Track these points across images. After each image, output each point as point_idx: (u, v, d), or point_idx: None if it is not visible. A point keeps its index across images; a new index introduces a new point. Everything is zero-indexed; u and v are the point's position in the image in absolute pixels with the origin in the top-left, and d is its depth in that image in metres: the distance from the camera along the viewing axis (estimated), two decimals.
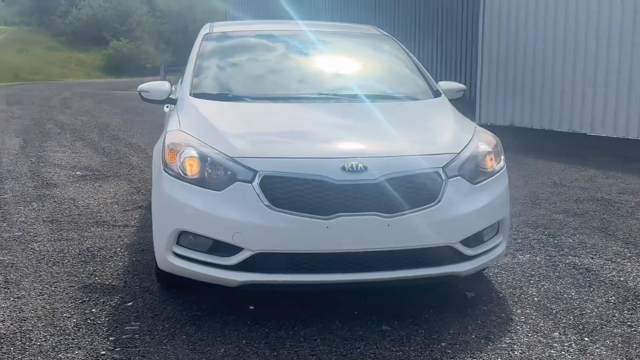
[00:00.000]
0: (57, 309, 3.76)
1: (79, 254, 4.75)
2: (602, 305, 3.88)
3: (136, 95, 4.84)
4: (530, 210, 6.17)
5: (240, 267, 3.41)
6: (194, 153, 3.56)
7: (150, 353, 3.21)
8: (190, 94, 4.36)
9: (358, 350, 3.26)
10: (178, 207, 3.54)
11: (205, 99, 4.29)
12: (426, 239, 3.49)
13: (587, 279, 4.34)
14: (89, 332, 3.45)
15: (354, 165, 3.43)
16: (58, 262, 4.59)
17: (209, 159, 3.51)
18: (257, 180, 3.38)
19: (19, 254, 4.74)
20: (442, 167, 3.58)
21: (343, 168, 3.41)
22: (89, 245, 4.97)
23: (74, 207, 6.14)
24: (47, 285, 4.13)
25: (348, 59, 5.06)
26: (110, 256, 4.70)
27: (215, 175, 3.47)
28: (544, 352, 3.27)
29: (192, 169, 3.53)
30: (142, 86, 4.66)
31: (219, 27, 5.36)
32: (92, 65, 38.56)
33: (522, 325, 3.59)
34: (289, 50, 5.03)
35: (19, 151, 9.53)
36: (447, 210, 3.51)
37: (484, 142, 3.93)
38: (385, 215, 3.38)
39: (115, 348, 3.26)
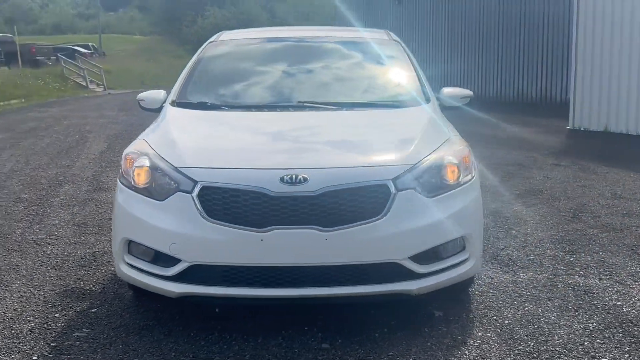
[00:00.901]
0: (25, 312, 3.90)
1: (82, 258, 4.93)
2: (576, 332, 3.55)
3: None
4: (566, 224, 5.76)
5: (179, 278, 3.40)
6: (145, 163, 3.60)
7: None
8: (171, 103, 4.41)
9: None
10: (126, 217, 3.59)
11: (183, 108, 4.33)
12: (368, 255, 3.34)
13: (579, 301, 3.99)
14: (38, 337, 3.56)
15: (293, 176, 3.33)
16: (58, 265, 4.77)
17: (157, 168, 3.53)
18: (196, 191, 3.36)
19: (28, 257, 4.98)
20: (392, 180, 3.40)
21: (282, 179, 3.32)
22: (96, 250, 5.14)
23: (109, 212, 6.38)
24: (32, 288, 4.31)
25: (343, 65, 4.93)
26: (109, 261, 4.83)
27: (161, 185, 3.49)
28: None
29: (141, 178, 3.56)
30: (140, 95, 4.76)
31: (226, 35, 5.40)
32: None
33: (471, 350, 3.35)
34: (282, 58, 4.97)
35: (96, 156, 10.03)
36: (393, 224, 3.34)
37: (451, 154, 3.70)
38: (322, 229, 3.26)
39: (49, 354, 3.34)
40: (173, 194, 3.41)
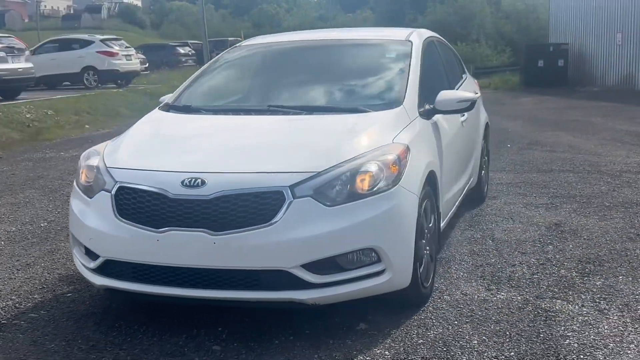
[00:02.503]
0: None
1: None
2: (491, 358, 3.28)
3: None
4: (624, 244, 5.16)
5: (99, 271, 3.73)
6: (91, 162, 3.95)
7: None
8: (160, 106, 4.72)
9: None
10: (70, 212, 3.99)
11: (166, 111, 4.62)
12: (257, 261, 3.39)
13: (524, 326, 3.65)
14: None
15: (192, 180, 3.48)
16: (57, 260, 5.07)
17: (96, 168, 3.87)
18: (114, 190, 3.65)
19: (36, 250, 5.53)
20: (289, 187, 3.41)
21: (182, 182, 3.49)
22: None
23: None
24: (8, 279, 4.67)
25: (336, 68, 4.92)
26: None
27: (95, 184, 3.82)
28: None
29: (83, 177, 3.93)
30: (163, 97, 5.12)
31: (250, 40, 5.62)
32: None
33: None
34: (280, 63, 5.07)
35: None
36: (284, 232, 3.35)
37: (374, 162, 3.58)
38: (212, 232, 3.38)
39: None
40: (99, 192, 3.72)
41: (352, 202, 3.46)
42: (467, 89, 6.13)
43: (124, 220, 3.56)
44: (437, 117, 4.62)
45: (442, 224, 4.62)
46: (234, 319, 3.80)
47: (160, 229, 3.45)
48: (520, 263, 4.75)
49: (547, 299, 4.07)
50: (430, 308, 3.96)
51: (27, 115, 14.74)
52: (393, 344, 3.49)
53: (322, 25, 79.30)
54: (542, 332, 3.60)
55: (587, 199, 6.65)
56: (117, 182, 3.67)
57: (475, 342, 3.50)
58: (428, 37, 5.39)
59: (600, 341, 3.48)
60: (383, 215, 3.52)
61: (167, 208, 3.47)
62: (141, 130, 4.35)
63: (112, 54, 23.17)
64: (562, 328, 3.65)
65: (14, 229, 5.99)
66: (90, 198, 3.78)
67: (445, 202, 4.66)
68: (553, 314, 3.84)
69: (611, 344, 3.44)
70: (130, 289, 3.64)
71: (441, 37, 6.15)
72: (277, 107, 4.38)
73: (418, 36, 5.16)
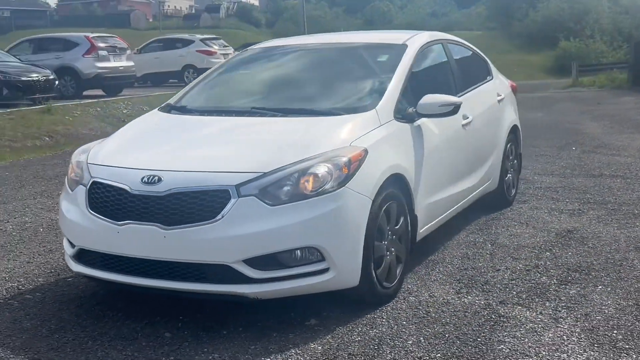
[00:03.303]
0: None
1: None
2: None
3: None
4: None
5: (75, 258, 4.10)
6: (79, 159, 4.33)
7: None
8: (160, 107, 5.05)
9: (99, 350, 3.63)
10: (59, 204, 4.39)
11: (163, 112, 4.93)
12: (202, 255, 3.65)
13: (468, 329, 3.71)
14: None
15: (150, 177, 3.78)
16: None
17: (81, 164, 4.24)
18: (88, 185, 4.01)
19: None
20: (235, 186, 3.64)
21: (142, 179, 3.79)
22: None
23: None
24: (26, 263, 5.16)
25: (326, 72, 5.12)
26: None
27: (77, 179, 4.19)
28: None
29: (71, 172, 4.31)
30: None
31: (260, 44, 5.89)
32: (537, 66, 38.72)
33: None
34: (277, 66, 5.30)
35: None
36: (227, 228, 3.59)
37: (323, 164, 3.75)
38: (163, 227, 3.66)
39: None
40: (78, 186, 4.09)
41: (296, 202, 3.64)
42: (486, 92, 6.13)
43: (93, 212, 3.91)
44: (423, 120, 4.69)
45: (425, 227, 4.69)
46: (198, 309, 4.06)
47: (121, 222, 3.77)
48: (505, 268, 4.74)
49: (509, 305, 4.08)
50: (388, 308, 4.07)
51: (124, 111, 15.73)
52: (330, 340, 3.64)
53: (433, 22, 78.49)
54: (482, 336, 3.65)
55: (618, 206, 6.45)
56: (92, 177, 4.02)
57: (411, 342, 3.59)
58: (431, 41, 5.44)
59: (534, 349, 3.49)
60: (326, 216, 3.67)
61: (127, 203, 3.79)
62: (128, 129, 4.71)
63: (210, 53, 24.15)
64: (505, 334, 3.67)
65: (56, 217, 6.53)
66: (72, 191, 4.15)
67: (429, 205, 4.72)
68: (505, 319, 3.87)
69: (544, 352, 3.45)
70: (98, 276, 4.00)
71: (457, 39, 6.17)
72: (259, 109, 4.62)
73: (417, 40, 5.23)
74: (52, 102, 14.60)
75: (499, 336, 3.64)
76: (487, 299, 4.18)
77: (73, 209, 4.08)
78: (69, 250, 4.17)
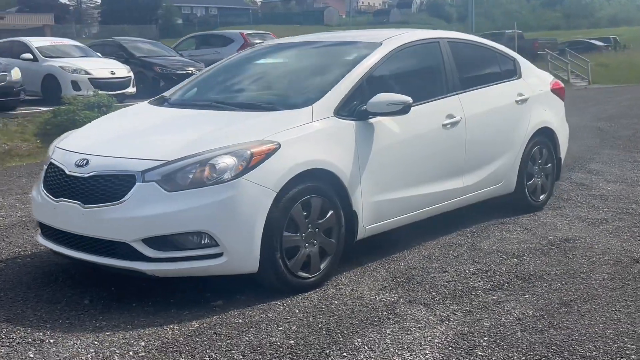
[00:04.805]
0: None
1: None
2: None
3: None
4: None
5: (41, 231, 4.69)
6: (54, 142, 4.92)
7: None
8: (153, 99, 5.54)
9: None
10: None
11: (151, 103, 5.41)
12: (108, 232, 4.11)
13: (340, 321, 3.82)
14: None
15: (81, 160, 4.29)
16: None
17: (51, 146, 4.84)
18: (46, 165, 4.59)
19: None
20: (142, 172, 4.04)
21: (75, 162, 4.31)
22: None
23: None
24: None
25: (295, 69, 5.42)
26: None
27: (46, 160, 4.79)
28: None
29: (47, 154, 4.91)
30: None
31: (265, 42, 6.17)
32: None
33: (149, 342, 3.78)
34: (259, 62, 5.61)
35: None
36: (128, 210, 4.02)
37: (227, 156, 4.04)
38: (82, 205, 4.16)
39: None
40: (44, 167, 4.69)
41: (193, 190, 3.97)
42: (500, 92, 5.97)
43: (43, 189, 4.49)
44: (381, 119, 4.75)
45: (374, 225, 4.77)
46: (128, 282, 4.45)
47: (57, 199, 4.31)
48: (454, 271, 4.70)
49: (414, 304, 4.11)
50: (300, 297, 4.24)
51: None
52: (209, 319, 3.92)
53: None
54: (351, 329, 3.75)
55: None
56: (50, 158, 4.59)
57: (281, 328, 3.77)
58: (418, 41, 5.45)
59: (386, 345, 3.56)
60: (218, 204, 3.95)
61: (63, 182, 4.32)
62: (104, 117, 5.26)
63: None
64: (375, 329, 3.75)
65: None
66: (41, 172, 4.77)
67: (380, 203, 4.76)
68: (394, 316, 3.94)
69: (392, 349, 3.49)
70: (50, 248, 4.55)
71: (471, 39, 6.10)
72: (218, 103, 5.01)
73: (396, 40, 5.26)
74: None
75: (366, 331, 3.72)
76: (401, 298, 4.21)
77: (36, 186, 4.69)
78: (36, 224, 4.79)
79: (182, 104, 5.24)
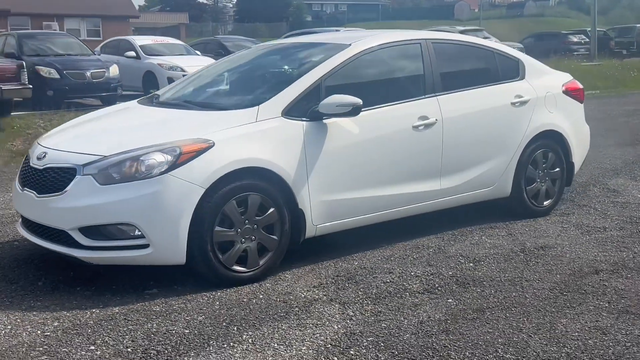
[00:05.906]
0: None
1: None
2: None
3: None
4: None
5: (21, 220, 5.14)
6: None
7: None
8: (144, 97, 5.87)
9: None
10: None
11: (140, 103, 5.73)
12: (52, 220, 4.49)
13: (232, 314, 3.95)
14: None
15: (41, 154, 4.70)
16: None
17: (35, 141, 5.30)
18: (24, 159, 5.04)
19: None
20: (82, 165, 4.38)
21: (38, 155, 4.73)
22: None
23: None
24: None
25: (263, 70, 5.60)
26: None
27: None
28: None
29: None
30: None
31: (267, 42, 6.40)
32: None
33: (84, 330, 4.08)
34: (238, 63, 5.81)
35: None
36: (67, 200, 4.38)
37: (158, 153, 4.30)
38: (36, 194, 4.55)
39: None
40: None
41: (123, 184, 4.25)
42: (492, 93, 5.83)
43: (17, 180, 4.92)
44: (337, 120, 4.82)
45: (326, 224, 4.86)
46: (88, 269, 4.77)
47: (23, 189, 4.72)
48: (400, 273, 4.70)
49: (333, 302, 4.18)
50: (231, 290, 4.41)
51: None
52: (124, 305, 4.18)
53: None
54: (247, 322, 3.88)
55: None
56: (29, 152, 5.03)
57: (181, 321, 3.95)
58: (394, 42, 5.47)
59: (271, 338, 3.64)
60: (144, 197, 4.22)
61: (28, 173, 4.73)
62: (90, 114, 5.64)
63: None
64: (272, 324, 3.85)
65: None
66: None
67: (332, 203, 4.83)
68: (288, 312, 4.05)
69: (272, 343, 3.59)
70: (21, 233, 4.97)
71: (461, 40, 6.03)
72: (186, 102, 5.28)
73: (367, 42, 5.30)
74: None
75: (263, 326, 3.85)
76: (325, 296, 4.29)
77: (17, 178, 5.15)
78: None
79: (162, 103, 5.53)
